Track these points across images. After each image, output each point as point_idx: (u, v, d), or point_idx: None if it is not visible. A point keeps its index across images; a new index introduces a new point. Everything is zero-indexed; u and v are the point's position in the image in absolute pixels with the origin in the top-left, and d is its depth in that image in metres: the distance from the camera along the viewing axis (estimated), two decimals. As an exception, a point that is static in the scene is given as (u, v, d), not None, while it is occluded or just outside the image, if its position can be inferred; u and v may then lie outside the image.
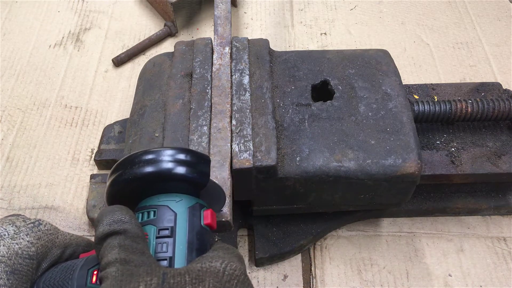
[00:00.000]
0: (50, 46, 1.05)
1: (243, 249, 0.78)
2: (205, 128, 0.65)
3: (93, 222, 0.78)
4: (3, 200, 0.82)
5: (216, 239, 0.75)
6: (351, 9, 1.16)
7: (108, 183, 0.48)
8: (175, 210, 0.45)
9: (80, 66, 1.02)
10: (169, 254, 0.43)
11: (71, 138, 0.90)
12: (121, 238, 0.41)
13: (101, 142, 0.86)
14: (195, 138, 0.64)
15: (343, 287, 0.74)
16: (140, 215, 0.46)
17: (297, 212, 0.74)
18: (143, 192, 0.47)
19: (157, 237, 0.44)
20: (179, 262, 0.42)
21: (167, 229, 0.44)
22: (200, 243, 0.45)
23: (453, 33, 1.10)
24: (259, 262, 0.75)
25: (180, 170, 0.46)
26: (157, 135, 0.67)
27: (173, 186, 0.47)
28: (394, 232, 0.80)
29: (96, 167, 0.86)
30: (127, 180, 0.46)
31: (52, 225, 0.48)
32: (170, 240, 0.43)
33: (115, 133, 0.87)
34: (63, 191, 0.83)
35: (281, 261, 0.76)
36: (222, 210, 0.57)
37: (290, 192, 0.67)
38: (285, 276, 0.75)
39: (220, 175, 0.60)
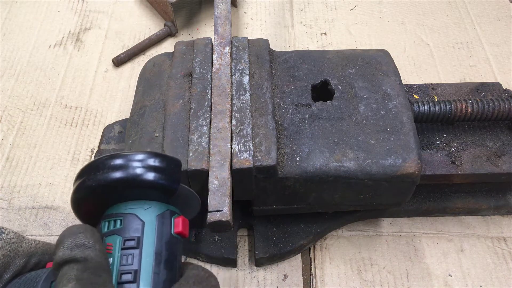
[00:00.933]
0: (50, 46, 1.05)
1: (243, 249, 0.78)
2: (205, 128, 0.65)
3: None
4: (3, 200, 0.82)
5: (217, 239, 0.75)
6: (351, 9, 1.16)
7: (72, 190, 0.45)
8: (143, 218, 0.42)
9: (80, 66, 1.02)
10: (135, 267, 0.40)
11: (71, 138, 0.90)
12: (79, 269, 0.37)
13: (101, 142, 0.86)
14: (195, 138, 0.64)
15: (343, 287, 0.74)
16: (107, 223, 0.43)
17: (297, 212, 0.74)
18: (110, 199, 0.44)
19: (122, 248, 0.41)
20: (145, 275, 0.40)
21: (133, 239, 0.41)
22: (169, 254, 0.42)
23: (453, 33, 1.10)
24: (259, 262, 0.75)
25: (148, 176, 0.43)
26: (157, 135, 0.67)
27: (142, 193, 0.44)
28: (394, 232, 0.80)
29: (96, 167, 0.86)
30: (92, 187, 0.43)
31: (15, 233, 0.44)
32: (136, 251, 0.40)
33: (115, 133, 0.87)
34: (63, 191, 0.83)
35: (281, 261, 0.76)
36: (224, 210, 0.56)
37: (290, 192, 0.67)
38: (285, 276, 0.75)
39: (220, 175, 0.60)
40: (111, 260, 0.40)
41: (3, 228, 0.44)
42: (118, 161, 0.43)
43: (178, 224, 0.44)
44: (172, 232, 0.43)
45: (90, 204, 0.45)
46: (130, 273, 0.39)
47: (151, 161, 0.44)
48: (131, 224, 0.42)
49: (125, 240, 0.41)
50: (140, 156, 0.44)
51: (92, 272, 0.37)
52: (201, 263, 0.76)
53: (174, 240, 0.43)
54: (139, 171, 0.43)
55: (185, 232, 0.45)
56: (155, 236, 0.42)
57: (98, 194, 0.44)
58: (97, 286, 0.36)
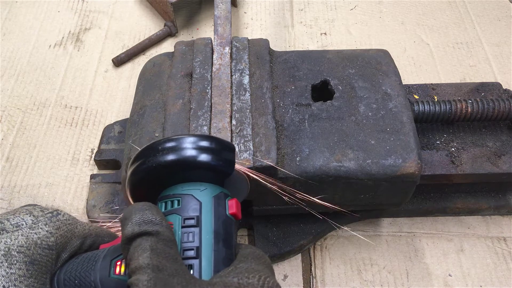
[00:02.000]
0: (50, 46, 1.05)
1: (243, 249, 0.78)
2: (205, 128, 0.65)
3: (93, 223, 0.78)
4: (3, 200, 0.82)
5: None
6: (351, 9, 1.16)
7: (129, 172, 0.46)
8: (200, 199, 0.44)
9: (80, 66, 1.02)
10: (196, 244, 0.41)
11: (71, 138, 0.90)
12: (153, 241, 0.38)
13: (101, 142, 0.86)
14: (195, 138, 0.64)
15: (343, 287, 0.74)
16: (164, 204, 0.44)
17: (297, 212, 0.74)
18: (166, 181, 0.46)
19: (182, 227, 0.42)
20: (206, 252, 0.41)
21: (193, 218, 0.42)
22: (226, 233, 0.43)
23: (453, 33, 1.10)
24: (259, 262, 0.75)
25: (205, 158, 0.44)
26: (157, 135, 0.67)
27: (197, 175, 0.45)
28: (394, 232, 0.80)
29: (96, 167, 0.86)
30: (150, 168, 0.44)
31: (70, 215, 0.46)
32: (196, 229, 0.42)
33: (115, 133, 0.87)
34: (63, 191, 0.84)
35: (281, 261, 0.76)
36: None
37: (290, 192, 0.66)
38: (285, 276, 0.75)
39: (220, 175, 0.60)
40: None
41: (59, 210, 0.46)
42: (176, 144, 0.45)
43: (232, 206, 0.45)
44: (227, 213, 0.45)
45: (147, 185, 0.46)
46: (193, 249, 0.41)
47: (207, 144, 0.45)
48: (189, 204, 0.43)
49: (185, 219, 0.42)
50: (196, 139, 0.45)
51: (165, 244, 0.38)
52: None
53: (229, 221, 0.44)
54: (195, 153, 0.44)
55: (238, 214, 0.46)
56: (213, 215, 0.43)
57: (157, 175, 0.45)
58: (170, 257, 0.38)
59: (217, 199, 0.45)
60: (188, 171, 0.45)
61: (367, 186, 0.66)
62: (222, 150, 0.46)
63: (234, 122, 0.66)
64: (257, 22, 1.12)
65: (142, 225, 0.39)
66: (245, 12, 1.15)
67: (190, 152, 0.44)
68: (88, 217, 0.77)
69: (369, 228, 0.80)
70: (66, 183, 0.84)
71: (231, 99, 0.69)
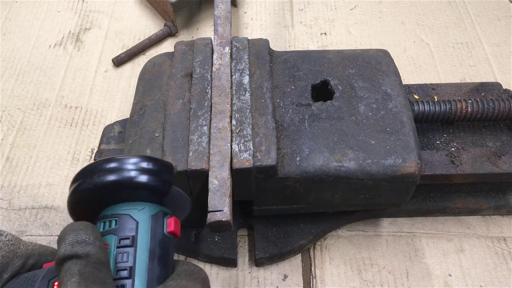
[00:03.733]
0: (50, 46, 1.05)
1: (243, 249, 0.78)
2: (205, 128, 0.65)
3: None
4: (3, 200, 0.82)
5: (217, 239, 0.75)
6: (351, 9, 1.16)
7: (69, 192, 0.47)
8: (137, 218, 0.45)
9: (80, 66, 1.02)
10: (130, 264, 0.42)
11: (71, 138, 0.90)
12: (81, 264, 0.38)
13: (101, 142, 0.86)
14: (195, 138, 0.64)
15: (343, 287, 0.74)
16: (102, 224, 0.45)
17: (297, 212, 0.74)
18: (105, 201, 0.46)
19: (118, 247, 0.43)
20: (140, 271, 0.42)
21: (128, 238, 0.43)
22: (162, 252, 0.44)
23: (453, 33, 1.10)
24: (259, 262, 0.75)
25: (142, 178, 0.45)
26: (157, 135, 0.67)
27: (136, 195, 0.46)
28: (394, 232, 0.80)
29: (96, 167, 0.86)
30: (88, 190, 0.45)
31: (13, 235, 0.46)
32: (131, 249, 0.43)
33: (115, 133, 0.87)
34: (63, 191, 0.83)
35: (281, 261, 0.76)
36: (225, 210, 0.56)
37: (290, 192, 0.67)
38: (285, 276, 0.75)
39: (220, 175, 0.60)
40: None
41: (1, 230, 0.46)
42: (113, 165, 0.46)
43: (171, 224, 0.46)
44: (165, 231, 0.46)
45: (86, 206, 0.47)
46: (126, 269, 0.41)
47: (145, 164, 0.46)
48: (126, 224, 0.44)
49: (120, 239, 0.43)
50: (133, 160, 0.46)
51: (94, 267, 0.39)
52: (201, 263, 0.76)
53: (166, 239, 0.45)
54: (133, 173, 0.45)
55: (177, 232, 0.47)
56: (149, 235, 0.44)
57: (94, 196, 0.46)
58: (98, 281, 0.38)
59: (155, 218, 0.45)
60: (126, 191, 0.46)
61: (367, 186, 0.66)
62: (160, 170, 0.47)
63: (234, 122, 0.66)
64: (257, 22, 1.12)
65: (74, 246, 0.39)
66: (245, 12, 1.15)
67: (127, 173, 0.45)
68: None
69: (369, 228, 0.80)
70: (66, 183, 0.84)
71: (231, 99, 0.69)
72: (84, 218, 0.46)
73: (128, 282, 0.41)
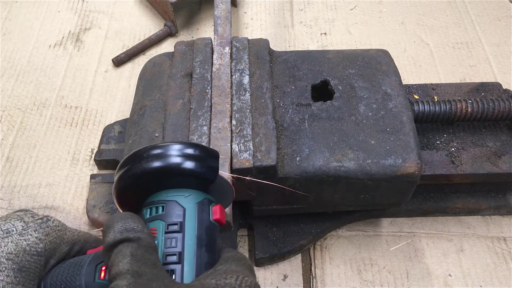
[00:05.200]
0: (50, 46, 1.05)
1: (243, 249, 0.78)
2: (205, 128, 0.65)
3: (93, 223, 0.78)
4: (3, 200, 0.82)
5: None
6: (351, 9, 1.16)
7: (115, 178, 0.47)
8: (184, 205, 0.45)
9: (80, 66, 1.02)
10: (178, 249, 0.42)
11: (71, 138, 0.90)
12: (133, 247, 0.39)
13: (101, 142, 0.86)
14: (195, 138, 0.64)
15: (343, 287, 0.74)
16: (149, 210, 0.45)
17: (297, 212, 0.74)
18: (151, 187, 0.47)
19: (166, 232, 0.43)
20: (189, 257, 0.42)
21: (176, 224, 0.43)
22: (209, 239, 0.44)
23: (453, 33, 1.10)
24: (259, 262, 0.75)
25: (189, 165, 0.45)
26: (157, 135, 0.67)
27: (182, 181, 0.46)
28: (394, 232, 0.80)
29: (96, 167, 0.86)
30: (136, 175, 0.45)
31: (60, 221, 0.47)
32: (179, 235, 0.43)
33: (115, 133, 0.87)
34: (63, 191, 0.83)
35: (281, 261, 0.76)
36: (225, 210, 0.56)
37: (290, 192, 0.67)
38: (285, 276, 0.75)
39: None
40: (156, 243, 0.43)
41: (49, 216, 0.46)
42: (160, 151, 0.46)
43: (216, 212, 0.46)
44: (210, 218, 0.46)
45: (133, 191, 0.47)
46: (175, 255, 0.42)
47: (192, 151, 0.46)
48: (173, 210, 0.44)
49: (168, 225, 0.43)
50: (181, 146, 0.46)
51: (145, 250, 0.39)
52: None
53: (212, 226, 0.45)
54: (180, 160, 0.45)
55: (222, 219, 0.46)
56: (196, 221, 0.44)
57: (141, 181, 0.46)
58: (149, 263, 0.39)
59: (201, 205, 0.45)
60: (173, 178, 0.46)
61: (367, 186, 0.66)
62: (206, 157, 0.47)
63: (234, 122, 0.66)
64: (257, 22, 1.12)
65: (123, 233, 0.40)
66: (245, 12, 1.15)
67: (174, 159, 0.45)
68: (88, 217, 0.77)
69: (369, 228, 0.80)
70: (66, 183, 0.84)
71: (231, 99, 0.69)
72: (129, 204, 0.48)
73: (177, 267, 0.41)
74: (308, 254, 0.77)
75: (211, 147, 0.63)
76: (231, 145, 0.64)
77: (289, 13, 1.14)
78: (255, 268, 0.76)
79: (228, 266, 0.42)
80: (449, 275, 0.76)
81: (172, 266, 0.41)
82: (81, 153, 0.88)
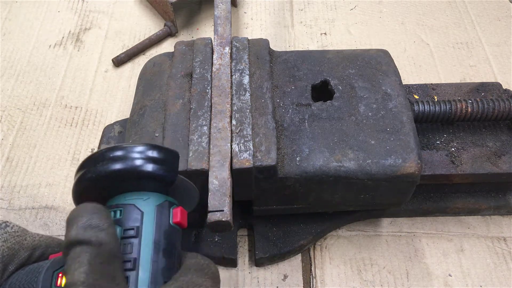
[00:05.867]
0: (50, 46, 1.05)
1: (243, 249, 0.78)
2: (205, 128, 0.65)
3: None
4: (3, 200, 0.82)
5: (217, 239, 0.75)
6: (351, 9, 1.16)
7: (74, 182, 0.46)
8: (142, 208, 0.43)
9: (80, 66, 1.02)
10: (134, 255, 0.41)
11: (71, 138, 0.90)
12: (92, 253, 0.36)
13: (101, 142, 0.86)
14: (195, 138, 0.64)
15: (343, 287, 0.74)
16: None
17: (297, 212, 0.74)
18: (110, 191, 0.45)
19: (122, 238, 0.42)
20: (144, 263, 0.41)
21: (133, 229, 0.42)
22: (167, 243, 0.43)
23: (453, 33, 1.10)
24: (259, 262, 0.75)
25: (146, 167, 0.44)
26: (157, 135, 0.67)
27: (140, 184, 0.45)
28: (394, 232, 0.80)
29: (96, 167, 0.86)
30: (92, 179, 0.44)
31: (19, 226, 0.45)
32: (135, 240, 0.42)
33: (115, 133, 0.87)
34: (63, 191, 0.83)
35: (281, 261, 0.76)
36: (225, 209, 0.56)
37: (290, 192, 0.67)
38: (285, 276, 0.75)
39: (220, 175, 0.60)
40: None
41: (8, 221, 0.45)
42: (118, 153, 0.44)
43: (177, 214, 0.45)
44: (170, 222, 0.44)
45: (91, 195, 0.45)
46: (130, 261, 0.40)
47: (150, 153, 0.45)
48: (131, 214, 0.43)
49: (125, 230, 0.42)
50: (138, 148, 0.45)
51: (105, 258, 0.37)
52: (201, 263, 0.76)
53: (172, 230, 0.44)
54: (138, 162, 0.44)
55: (183, 222, 0.45)
56: (154, 225, 0.43)
57: (99, 185, 0.45)
58: (108, 275, 0.37)
59: (160, 208, 0.44)
60: (131, 180, 0.45)
61: (367, 186, 0.66)
62: (165, 159, 0.46)
63: (234, 122, 0.66)
64: (257, 22, 1.12)
65: (87, 230, 0.38)
66: (245, 12, 1.15)
67: (131, 161, 0.44)
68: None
69: (369, 228, 0.80)
70: (66, 183, 0.84)
71: (231, 99, 0.69)
72: None
73: (132, 274, 0.40)
74: (308, 254, 0.77)
75: (211, 147, 0.63)
76: (231, 145, 0.64)
77: (289, 13, 1.14)
78: (255, 268, 0.76)
79: (190, 277, 0.40)
80: (449, 275, 0.76)
81: (126, 273, 0.40)
82: (81, 153, 0.88)
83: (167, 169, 0.45)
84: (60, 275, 0.41)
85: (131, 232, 0.42)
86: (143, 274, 0.40)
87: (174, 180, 0.46)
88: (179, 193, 0.48)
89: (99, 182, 0.44)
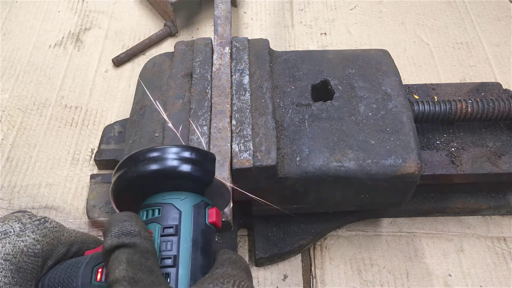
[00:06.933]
0: (50, 46, 1.05)
1: (243, 249, 0.78)
2: (205, 128, 0.65)
3: (93, 223, 0.78)
4: (3, 200, 0.82)
5: (217, 239, 0.75)
6: (351, 9, 1.16)
7: (113, 181, 0.47)
8: (180, 208, 0.45)
9: (80, 66, 1.02)
10: (174, 252, 0.42)
11: (71, 138, 0.90)
12: (130, 253, 0.39)
13: (101, 142, 0.86)
14: (195, 138, 0.64)
15: (343, 287, 0.74)
16: (145, 212, 0.46)
17: (297, 212, 0.74)
18: (148, 190, 0.47)
19: (161, 235, 0.43)
20: (184, 260, 0.42)
21: (172, 227, 0.43)
22: (204, 242, 0.44)
23: (453, 33, 1.10)
24: (259, 262, 0.75)
25: (185, 168, 0.45)
26: (157, 135, 0.67)
27: (178, 184, 0.46)
28: (394, 232, 0.80)
29: (96, 167, 0.86)
30: (132, 178, 0.46)
31: (58, 222, 0.47)
32: (174, 238, 0.43)
33: (115, 133, 0.87)
34: (63, 191, 0.84)
35: (281, 261, 0.76)
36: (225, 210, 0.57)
37: (290, 192, 0.67)
38: (285, 276, 0.75)
39: (220, 175, 0.60)
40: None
41: (46, 217, 0.46)
42: (157, 154, 0.46)
43: (212, 214, 0.46)
44: (206, 222, 0.46)
45: (130, 194, 0.47)
46: (170, 258, 0.42)
47: (188, 154, 0.46)
48: (169, 213, 0.44)
49: (164, 228, 0.43)
50: (177, 149, 0.46)
51: (141, 255, 0.39)
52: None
53: (208, 229, 0.46)
54: (176, 163, 0.46)
55: (218, 222, 0.47)
56: (192, 224, 0.44)
57: (138, 184, 0.46)
58: (146, 269, 0.39)
59: (197, 208, 0.46)
60: (169, 180, 0.46)
61: (367, 186, 0.66)
62: (202, 160, 0.47)
63: (234, 122, 0.66)
64: (257, 22, 1.12)
65: (120, 237, 0.40)
66: (245, 12, 1.15)
67: (170, 162, 0.45)
68: (88, 217, 0.77)
69: (369, 228, 0.80)
70: (66, 183, 0.84)
71: (231, 99, 0.69)
72: (126, 206, 0.47)
73: (172, 271, 0.41)
74: (308, 254, 0.77)
75: (211, 147, 0.63)
76: (231, 145, 0.64)
77: (289, 13, 1.14)
78: (255, 268, 0.76)
79: (225, 270, 0.42)
80: (449, 275, 0.76)
81: (167, 270, 0.41)
82: (81, 153, 0.88)
83: (204, 170, 0.47)
84: (100, 270, 0.42)
85: (170, 230, 0.43)
86: (183, 271, 0.42)
87: (211, 181, 0.48)
88: (213, 194, 0.49)
89: (139, 181, 0.46)
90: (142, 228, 0.42)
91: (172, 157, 0.46)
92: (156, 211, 0.45)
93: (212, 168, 0.48)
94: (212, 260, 0.45)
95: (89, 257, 0.45)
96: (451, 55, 1.06)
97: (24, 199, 0.82)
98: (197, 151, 0.47)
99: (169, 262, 0.42)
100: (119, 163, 0.47)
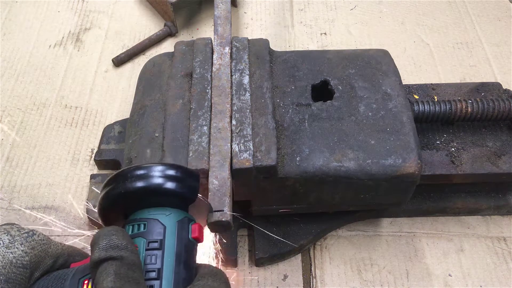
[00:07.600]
0: (50, 46, 1.05)
1: (243, 249, 0.78)
2: (205, 128, 0.65)
3: (93, 223, 0.78)
4: (3, 200, 0.82)
5: (216, 240, 0.75)
6: (351, 9, 1.16)
7: (100, 197, 0.49)
8: (165, 223, 0.47)
9: (80, 66, 1.02)
10: (158, 265, 0.44)
11: (71, 138, 0.90)
12: (117, 265, 0.41)
13: (101, 142, 0.86)
14: (195, 138, 0.64)
15: (343, 287, 0.74)
16: (131, 227, 0.47)
17: (297, 212, 0.74)
18: (134, 205, 0.49)
19: (146, 249, 0.45)
20: (167, 273, 0.44)
21: (157, 241, 0.45)
22: (187, 256, 0.46)
23: (453, 33, 1.10)
24: (259, 262, 0.75)
25: (170, 185, 0.48)
26: (157, 135, 0.67)
27: (163, 200, 0.48)
28: (394, 232, 0.80)
29: (96, 167, 0.86)
30: (119, 194, 0.48)
31: (45, 235, 0.49)
32: (159, 252, 0.45)
33: (115, 133, 0.87)
34: (63, 191, 0.83)
35: (281, 261, 0.76)
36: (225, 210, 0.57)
37: (290, 192, 0.67)
38: (285, 276, 0.75)
39: (220, 175, 0.60)
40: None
41: (34, 230, 0.48)
42: (143, 172, 0.48)
43: (195, 230, 0.48)
44: (189, 236, 0.48)
45: (116, 209, 0.49)
46: (154, 271, 0.44)
47: (173, 172, 0.49)
48: (155, 228, 0.47)
49: (149, 242, 0.46)
50: (163, 167, 0.49)
51: (128, 268, 0.41)
52: (201, 263, 0.76)
53: (191, 244, 0.48)
54: (161, 180, 0.48)
55: (201, 237, 0.49)
56: (176, 239, 0.46)
57: (124, 200, 0.48)
58: (132, 280, 0.41)
59: (181, 223, 0.48)
60: (155, 197, 0.48)
61: (367, 186, 0.66)
62: (187, 178, 0.49)
63: (234, 122, 0.66)
64: (257, 22, 1.12)
65: (108, 250, 0.42)
66: (245, 12, 1.15)
67: (156, 180, 0.48)
68: (88, 217, 0.77)
69: (369, 228, 0.80)
70: (66, 183, 0.84)
71: (231, 99, 0.69)
72: (113, 221, 0.50)
73: (156, 283, 0.43)
74: (308, 254, 0.77)
75: (211, 147, 0.63)
76: (231, 145, 0.64)
77: (289, 13, 1.14)
78: (255, 268, 0.76)
79: (205, 282, 0.44)
80: (449, 275, 0.76)
81: (151, 282, 0.43)
82: (81, 153, 0.88)
83: (188, 187, 0.49)
84: (86, 282, 0.44)
85: (155, 245, 0.45)
86: (166, 283, 0.44)
87: (195, 198, 0.50)
88: (196, 210, 0.52)
89: (125, 197, 0.48)
90: (129, 242, 0.43)
91: (158, 175, 0.48)
92: (142, 225, 0.47)
93: (196, 185, 0.50)
94: (193, 273, 0.47)
95: (75, 269, 0.46)
96: (451, 55, 1.06)
97: (24, 199, 0.82)
98: (182, 169, 0.50)
99: (153, 275, 0.44)
100: (106, 179, 0.50)
